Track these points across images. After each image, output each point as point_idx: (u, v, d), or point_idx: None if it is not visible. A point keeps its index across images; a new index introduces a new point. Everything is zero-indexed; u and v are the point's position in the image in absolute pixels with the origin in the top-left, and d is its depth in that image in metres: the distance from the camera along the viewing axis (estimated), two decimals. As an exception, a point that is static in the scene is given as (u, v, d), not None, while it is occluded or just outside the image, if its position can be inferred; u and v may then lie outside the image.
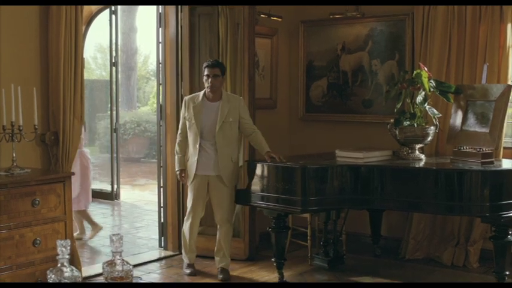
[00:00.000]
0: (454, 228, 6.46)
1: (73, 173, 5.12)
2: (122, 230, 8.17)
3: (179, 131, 6.00)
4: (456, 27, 6.33)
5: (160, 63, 6.88)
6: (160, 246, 6.94)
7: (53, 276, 2.74)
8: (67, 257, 2.77)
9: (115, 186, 10.01)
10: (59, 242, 2.76)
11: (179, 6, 6.60)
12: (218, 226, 5.98)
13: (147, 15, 17.22)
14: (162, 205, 6.90)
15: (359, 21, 7.11)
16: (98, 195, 10.13)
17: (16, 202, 4.54)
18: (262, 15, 6.99)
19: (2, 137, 4.78)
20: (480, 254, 6.31)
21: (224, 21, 6.53)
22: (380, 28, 6.97)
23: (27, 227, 4.65)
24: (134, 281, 2.94)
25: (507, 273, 5.33)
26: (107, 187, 10.26)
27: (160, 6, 6.74)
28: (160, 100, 6.85)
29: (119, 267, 2.82)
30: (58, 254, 2.77)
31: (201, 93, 5.90)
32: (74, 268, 2.80)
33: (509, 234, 5.30)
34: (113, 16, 9.63)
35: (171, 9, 6.67)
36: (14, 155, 4.82)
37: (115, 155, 9.96)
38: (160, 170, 6.92)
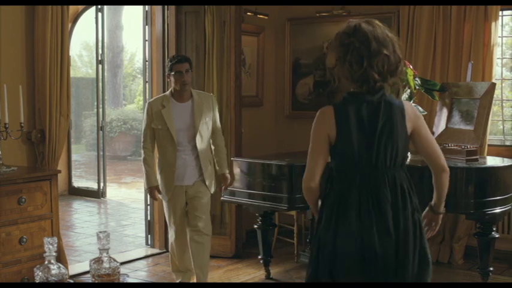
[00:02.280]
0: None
1: (59, 171, 5.12)
2: (109, 228, 8.18)
3: (144, 143, 5.27)
4: (441, 25, 6.38)
5: (146, 61, 6.91)
6: (147, 244, 6.95)
7: (40, 273, 2.75)
8: (54, 254, 2.77)
9: (101, 184, 10.00)
10: (46, 240, 2.77)
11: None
12: (195, 237, 5.26)
13: (133, 13, 17.16)
14: (148, 203, 6.90)
15: (345, 20, 7.03)
16: (85, 193, 10.15)
17: (2, 200, 4.52)
18: (248, 13, 7.01)
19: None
20: (465, 251, 6.37)
21: (210, 19, 6.54)
22: (366, 26, 6.99)
23: (14, 225, 4.63)
24: (121, 278, 2.94)
25: (491, 269, 5.40)
26: (93, 185, 10.26)
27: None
28: (147, 98, 6.85)
29: (106, 265, 2.83)
30: (45, 252, 2.77)
31: (167, 94, 5.28)
32: (61, 265, 2.80)
33: (493, 230, 5.37)
34: (99, 14, 9.61)
35: (157, 7, 6.69)
36: (0, 153, 4.80)
37: (101, 153, 9.95)
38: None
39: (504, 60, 6.78)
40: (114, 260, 2.86)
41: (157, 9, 6.69)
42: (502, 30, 6.49)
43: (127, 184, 12.09)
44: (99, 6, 9.55)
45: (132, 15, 17.48)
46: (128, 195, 10.64)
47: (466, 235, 6.33)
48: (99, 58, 9.83)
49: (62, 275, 2.76)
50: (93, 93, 12.16)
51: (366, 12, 6.95)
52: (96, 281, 2.82)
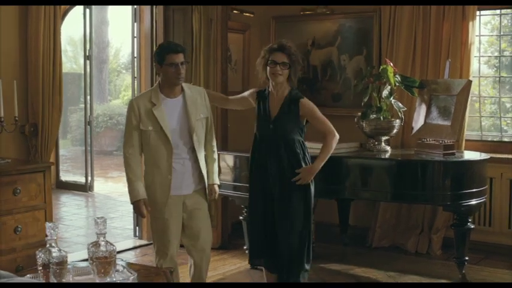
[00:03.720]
0: (418, 217, 6.73)
1: (53, 163, 5.29)
2: (97, 220, 8.30)
3: (128, 148, 4.45)
4: (421, 24, 6.59)
5: (135, 57, 7.06)
6: (135, 235, 7.12)
7: (42, 255, 2.95)
8: (55, 238, 2.97)
9: (89, 178, 10.15)
10: (47, 224, 2.96)
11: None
12: (195, 253, 4.62)
13: (119, 8, 17.28)
14: (136, 196, 7.06)
15: (328, 18, 7.34)
16: (72, 187, 10.29)
17: (-2, 191, 4.70)
18: (234, 11, 7.19)
19: (-19, 129, 4.94)
20: (442, 242, 6.57)
21: (198, 17, 6.70)
22: (349, 24, 7.21)
23: (9, 214, 4.79)
24: (117, 261, 3.14)
25: (467, 258, 5.65)
26: (80, 179, 10.40)
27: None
28: (135, 93, 7.02)
29: (103, 248, 3.03)
30: (47, 236, 2.97)
31: (155, 88, 4.54)
32: (61, 249, 3.00)
33: (469, 221, 5.62)
34: (87, 10, 9.76)
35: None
36: (-6, 145, 4.98)
37: (89, 147, 10.09)
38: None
39: (485, 58, 7.02)
40: (111, 244, 3.06)
41: (146, 6, 6.85)
42: (479, 29, 6.72)
43: (113, 178, 12.22)
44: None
45: (118, 11, 17.61)
46: (114, 189, 10.79)
47: (444, 227, 6.54)
48: (87, 54, 9.95)
49: (62, 257, 2.96)
50: (79, 89, 12.29)
51: (349, 11, 7.18)
52: (94, 263, 3.01)
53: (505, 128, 6.91)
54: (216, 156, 4.74)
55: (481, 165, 5.69)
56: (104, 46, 18.94)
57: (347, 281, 5.71)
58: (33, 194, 4.91)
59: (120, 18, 18.48)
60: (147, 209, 4.40)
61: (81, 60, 10.67)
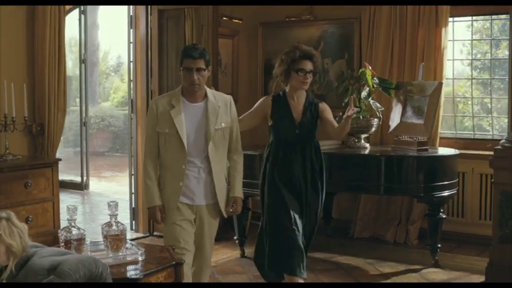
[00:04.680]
0: (396, 210, 7.22)
1: (60, 159, 5.75)
2: (94, 216, 8.75)
3: (147, 149, 4.36)
4: (398, 30, 7.08)
5: (131, 61, 7.47)
6: (131, 229, 7.54)
7: (64, 233, 3.42)
8: (75, 218, 3.44)
9: (84, 177, 10.57)
10: (68, 206, 3.44)
11: (149, 9, 7.23)
12: (196, 269, 4.46)
13: (108, 11, 17.62)
14: (133, 191, 7.52)
15: (312, 24, 7.82)
16: (68, 185, 10.69)
17: (11, 184, 5.17)
18: (224, 18, 7.63)
19: (-4, 128, 5.42)
20: (419, 233, 7.04)
21: (190, 23, 7.15)
22: (331, 30, 7.68)
23: (21, 206, 5.27)
24: (127, 242, 3.63)
25: (439, 245, 6.14)
26: (75, 178, 10.81)
27: (131, 8, 7.34)
28: (132, 96, 7.45)
29: (114, 227, 3.52)
30: (68, 217, 3.44)
31: (177, 91, 4.35)
32: (80, 227, 3.47)
33: (441, 212, 6.09)
34: (82, 15, 10.20)
35: (141, 11, 7.28)
36: (7, 143, 5.42)
37: (84, 148, 10.52)
38: (131, 159, 7.54)
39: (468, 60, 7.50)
40: (122, 224, 3.54)
41: (142, 13, 7.28)
42: (453, 34, 7.21)
43: (107, 178, 12.62)
44: (82, 8, 10.13)
45: (107, 14, 17.97)
46: (108, 188, 11.18)
47: (419, 218, 7.01)
48: (82, 57, 10.38)
49: (80, 235, 3.45)
50: (71, 91, 12.65)
51: (331, 17, 7.65)
52: (108, 240, 3.49)
53: (488, 128, 7.37)
54: (240, 168, 4.50)
55: (451, 160, 6.19)
56: (94, 49, 19.28)
57: (329, 267, 6.17)
58: (42, 187, 5.37)
59: (108, 21, 18.84)
60: (162, 215, 4.25)
61: (70, 63, 11.00)
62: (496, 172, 5.42)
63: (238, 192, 4.45)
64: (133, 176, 7.52)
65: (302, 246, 4.89)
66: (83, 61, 10.41)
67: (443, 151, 6.42)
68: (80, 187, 10.55)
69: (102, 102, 19.87)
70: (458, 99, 7.36)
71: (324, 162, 5.08)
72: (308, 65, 4.83)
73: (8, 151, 5.43)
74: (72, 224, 3.47)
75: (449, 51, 7.09)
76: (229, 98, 4.46)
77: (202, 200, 4.28)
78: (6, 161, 5.33)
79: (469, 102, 7.38)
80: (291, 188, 4.94)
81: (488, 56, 7.29)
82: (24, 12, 5.97)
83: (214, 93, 4.40)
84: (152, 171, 4.27)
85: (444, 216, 6.14)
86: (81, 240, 3.45)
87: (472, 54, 7.40)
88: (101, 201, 9.91)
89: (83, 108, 10.55)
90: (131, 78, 7.49)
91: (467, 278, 5.82)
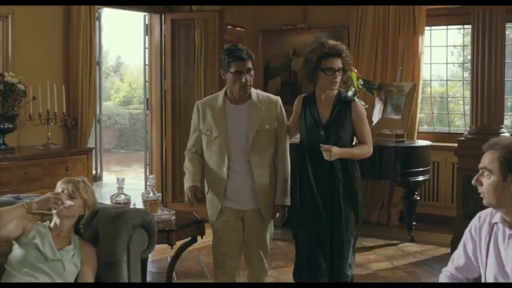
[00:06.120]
0: (379, 194, 8.19)
1: (93, 148, 6.75)
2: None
3: (189, 146, 4.31)
4: (381, 38, 8.07)
5: (146, 64, 8.45)
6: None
7: (115, 198, 4.46)
8: (123, 186, 4.46)
9: (98, 169, 11.56)
10: (118, 178, 4.47)
11: (163, 18, 8.21)
12: (249, 273, 4.37)
13: (108, 13, 18.28)
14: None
15: (306, 31, 8.78)
16: (84, 177, 11.64)
17: (55, 167, 6.15)
18: (229, 27, 8.59)
19: (39, 121, 6.38)
20: (399, 215, 8.00)
21: (199, 32, 8.09)
22: (323, 37, 8.53)
23: (63, 186, 6.25)
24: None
25: (414, 223, 7.14)
26: (89, 170, 11.78)
27: (146, 17, 8.31)
28: (147, 96, 8.45)
29: (152, 194, 4.58)
30: (117, 185, 4.47)
31: (221, 93, 4.27)
32: (127, 194, 4.49)
33: (415, 194, 7.07)
34: (97, 22, 11.15)
35: (156, 20, 8.26)
36: (50, 134, 6.42)
37: (99, 142, 11.49)
38: (146, 151, 8.53)
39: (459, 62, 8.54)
40: (157, 192, 4.57)
41: (156, 22, 8.26)
42: (430, 41, 8.21)
43: (116, 172, 13.54)
44: (97, 15, 11.08)
45: (107, 15, 18.67)
46: (120, 180, 12.10)
47: (400, 202, 7.92)
48: (97, 60, 11.32)
49: (127, 199, 4.48)
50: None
51: (323, 26, 8.63)
52: (147, 203, 4.53)
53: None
54: (286, 174, 4.24)
55: (425, 150, 7.17)
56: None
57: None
58: (80, 171, 6.35)
59: (108, 22, 19.53)
60: (195, 195, 4.13)
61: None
62: (460, 159, 6.41)
63: (280, 200, 4.19)
64: (148, 166, 8.48)
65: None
66: (97, 63, 11.34)
67: (419, 142, 7.41)
68: (95, 179, 11.50)
69: (103, 101, 20.66)
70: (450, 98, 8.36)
71: (357, 174, 4.38)
72: (337, 63, 4.19)
73: (50, 141, 6.42)
74: (121, 192, 4.50)
75: (433, 55, 8.14)
76: (275, 98, 4.31)
77: (246, 204, 4.14)
78: (49, 149, 6.31)
79: (460, 102, 8.32)
80: (316, 209, 4.25)
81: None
82: (60, 23, 6.93)
83: (259, 94, 4.27)
84: (191, 161, 4.23)
85: (418, 198, 7.13)
86: (127, 204, 4.48)
87: (463, 57, 8.31)
88: (115, 190, 10.84)
89: (97, 106, 11.49)
90: (147, 79, 8.45)
91: (436, 250, 6.79)
